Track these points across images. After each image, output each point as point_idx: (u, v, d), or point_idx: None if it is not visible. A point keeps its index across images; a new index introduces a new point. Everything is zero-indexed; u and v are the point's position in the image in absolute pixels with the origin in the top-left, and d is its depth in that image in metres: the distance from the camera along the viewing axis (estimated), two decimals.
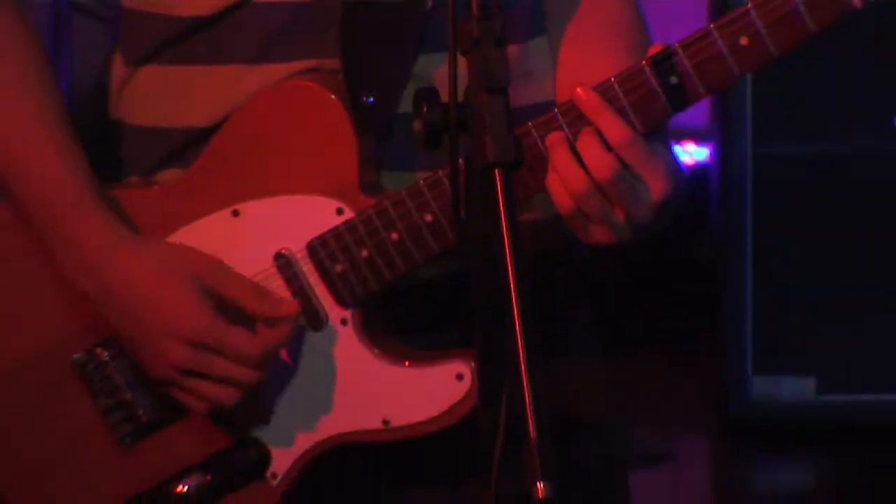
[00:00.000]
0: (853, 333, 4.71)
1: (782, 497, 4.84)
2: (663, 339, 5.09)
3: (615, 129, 1.96)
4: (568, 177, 1.97)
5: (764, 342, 4.71)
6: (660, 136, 2.02)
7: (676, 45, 1.99)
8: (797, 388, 4.67)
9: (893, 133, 4.71)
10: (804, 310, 4.75)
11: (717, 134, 4.96)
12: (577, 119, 1.98)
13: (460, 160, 1.75)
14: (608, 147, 1.95)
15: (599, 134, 1.96)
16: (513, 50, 2.03)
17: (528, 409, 1.56)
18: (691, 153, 5.62)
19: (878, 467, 4.73)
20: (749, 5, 1.97)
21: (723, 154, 4.83)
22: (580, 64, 2.23)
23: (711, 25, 1.97)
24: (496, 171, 1.66)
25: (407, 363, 2.11)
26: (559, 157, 1.98)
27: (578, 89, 1.97)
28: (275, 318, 2.12)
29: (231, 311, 2.11)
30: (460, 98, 1.73)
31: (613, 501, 2.34)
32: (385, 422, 2.12)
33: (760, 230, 4.73)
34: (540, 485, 1.53)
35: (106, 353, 2.14)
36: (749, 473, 4.90)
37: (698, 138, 5.42)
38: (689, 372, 5.13)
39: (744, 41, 1.95)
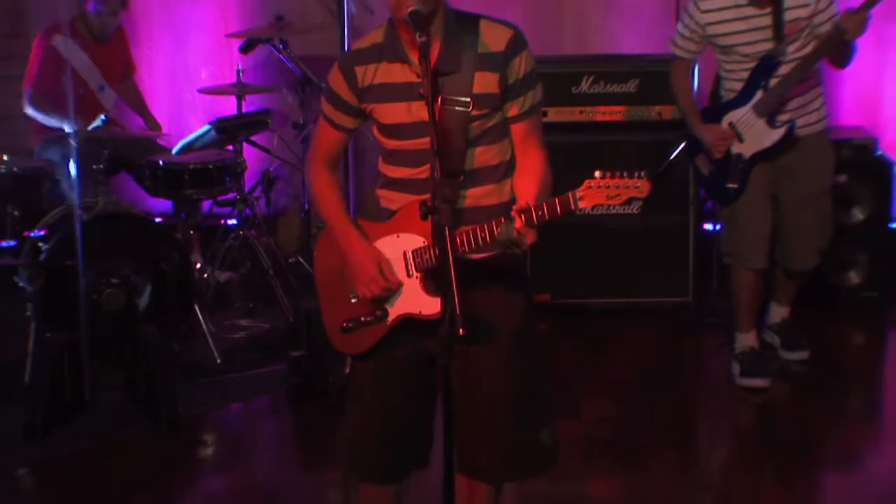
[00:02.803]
0: (567, 280, 6.95)
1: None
2: None
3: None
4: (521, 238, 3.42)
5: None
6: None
7: (533, 203, 3.48)
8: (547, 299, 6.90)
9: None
10: (551, 269, 6.81)
11: None
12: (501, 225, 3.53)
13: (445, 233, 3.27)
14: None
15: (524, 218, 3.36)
16: (488, 188, 3.77)
17: (456, 306, 3.17)
18: None
19: (577, 319, 6.92)
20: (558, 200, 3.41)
21: None
22: (523, 189, 3.72)
23: (544, 204, 3.44)
24: (446, 229, 3.25)
25: (428, 295, 3.74)
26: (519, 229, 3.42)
27: (519, 226, 3.49)
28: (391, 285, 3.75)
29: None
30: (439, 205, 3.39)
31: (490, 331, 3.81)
32: (419, 312, 3.74)
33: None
34: (461, 329, 3.14)
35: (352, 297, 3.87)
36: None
37: None
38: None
39: (558, 206, 3.47)
